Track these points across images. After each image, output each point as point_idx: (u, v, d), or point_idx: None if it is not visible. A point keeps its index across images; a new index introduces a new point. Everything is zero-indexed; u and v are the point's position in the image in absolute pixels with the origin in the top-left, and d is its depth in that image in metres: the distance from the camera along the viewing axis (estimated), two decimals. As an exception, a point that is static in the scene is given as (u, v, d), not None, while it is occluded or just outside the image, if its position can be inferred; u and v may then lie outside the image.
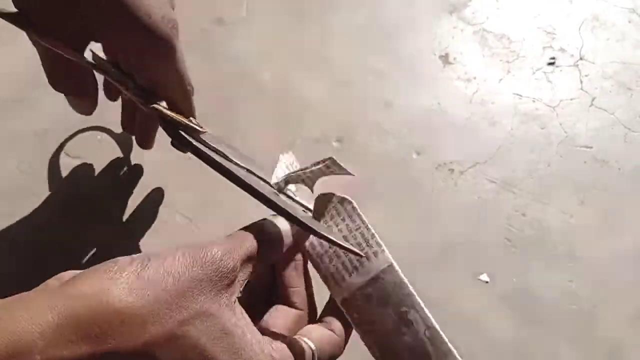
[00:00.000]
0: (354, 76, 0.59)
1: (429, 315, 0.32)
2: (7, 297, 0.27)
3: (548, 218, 0.50)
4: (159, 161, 0.52)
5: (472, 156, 0.54)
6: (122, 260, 0.27)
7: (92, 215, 0.51)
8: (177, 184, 0.52)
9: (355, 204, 0.35)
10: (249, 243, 0.30)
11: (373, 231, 0.34)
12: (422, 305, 0.33)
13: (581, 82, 0.59)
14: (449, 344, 0.32)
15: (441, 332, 0.32)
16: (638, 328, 0.45)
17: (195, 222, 0.50)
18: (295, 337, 0.31)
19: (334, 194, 0.34)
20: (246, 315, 0.30)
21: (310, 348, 0.31)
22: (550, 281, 0.47)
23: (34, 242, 0.49)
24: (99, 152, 0.55)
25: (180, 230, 0.49)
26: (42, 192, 0.52)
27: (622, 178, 0.52)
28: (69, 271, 0.30)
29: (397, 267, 0.34)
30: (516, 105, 0.57)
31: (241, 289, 0.30)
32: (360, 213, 0.35)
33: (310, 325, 0.33)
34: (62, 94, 0.44)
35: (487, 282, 0.47)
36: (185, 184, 0.51)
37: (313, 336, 0.32)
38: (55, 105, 0.59)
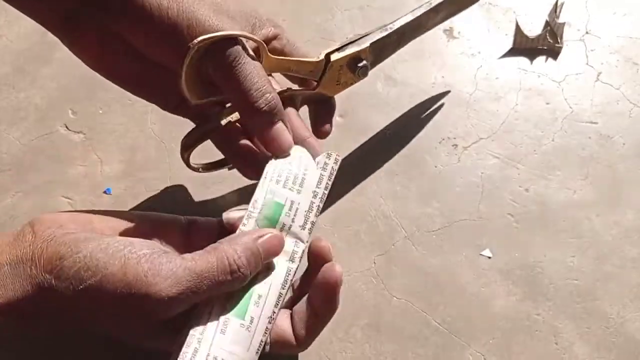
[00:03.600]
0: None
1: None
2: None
3: (551, 193, 0.50)
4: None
5: (475, 131, 0.53)
6: (64, 248, 0.31)
7: (96, 195, 0.51)
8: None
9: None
10: (211, 275, 0.31)
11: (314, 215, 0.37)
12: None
13: (587, 56, 0.58)
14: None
15: None
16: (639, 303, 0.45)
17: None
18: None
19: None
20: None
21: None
22: (552, 256, 0.47)
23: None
24: (101, 127, 0.55)
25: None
26: (44, 166, 0.52)
27: (626, 153, 0.52)
28: (41, 217, 0.33)
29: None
30: (521, 80, 0.57)
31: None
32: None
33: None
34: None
35: (489, 257, 0.47)
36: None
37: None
38: (56, 79, 0.58)
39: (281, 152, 0.37)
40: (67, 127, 0.55)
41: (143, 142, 0.53)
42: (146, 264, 0.30)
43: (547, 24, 0.58)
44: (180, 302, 0.30)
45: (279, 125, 0.36)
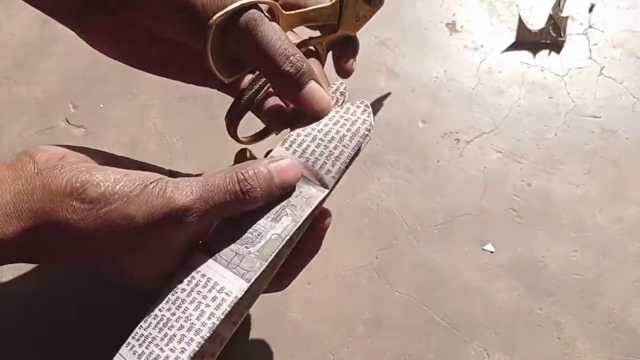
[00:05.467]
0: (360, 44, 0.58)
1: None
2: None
3: (554, 188, 0.50)
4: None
5: (478, 125, 0.53)
6: (78, 174, 0.30)
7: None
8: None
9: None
10: (224, 192, 0.31)
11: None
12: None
13: (590, 50, 0.58)
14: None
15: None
16: (642, 298, 0.45)
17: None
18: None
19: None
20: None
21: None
22: (555, 251, 0.47)
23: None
24: (102, 121, 0.54)
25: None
26: (45, 161, 0.52)
27: (630, 148, 0.52)
28: (39, 147, 0.33)
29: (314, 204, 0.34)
30: (524, 74, 0.56)
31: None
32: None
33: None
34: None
35: (492, 252, 0.47)
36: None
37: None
38: (57, 73, 0.58)
39: (318, 113, 0.36)
40: (67, 121, 0.54)
41: (144, 137, 0.53)
42: (166, 184, 0.30)
43: (550, 17, 0.58)
44: (197, 214, 0.30)
45: (311, 85, 0.35)
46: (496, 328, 0.44)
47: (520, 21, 0.57)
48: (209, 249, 0.32)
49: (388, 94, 0.55)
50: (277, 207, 0.33)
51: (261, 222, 0.32)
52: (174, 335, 0.30)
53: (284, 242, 0.32)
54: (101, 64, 0.58)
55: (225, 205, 0.31)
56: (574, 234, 0.48)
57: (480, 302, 0.45)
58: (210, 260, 0.32)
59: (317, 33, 0.42)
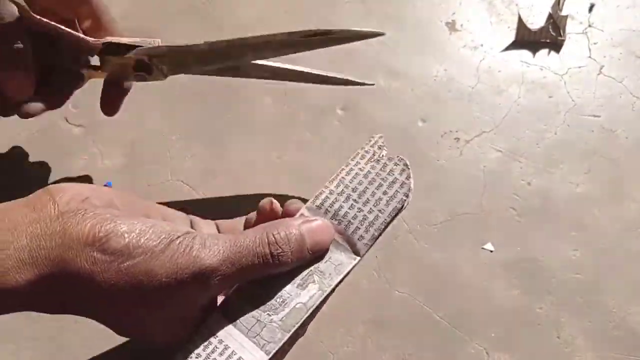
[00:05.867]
0: (358, 43, 0.58)
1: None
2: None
3: (554, 187, 0.50)
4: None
5: (478, 125, 0.53)
6: (105, 225, 0.28)
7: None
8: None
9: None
10: (253, 254, 0.29)
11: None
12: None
13: (589, 49, 0.58)
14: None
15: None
16: (642, 297, 0.45)
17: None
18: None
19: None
20: None
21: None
22: (555, 250, 0.47)
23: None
24: (101, 120, 0.54)
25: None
26: (44, 160, 0.52)
27: (629, 147, 0.52)
28: (61, 186, 0.30)
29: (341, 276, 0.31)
30: (523, 74, 0.56)
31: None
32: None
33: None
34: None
35: (492, 251, 0.47)
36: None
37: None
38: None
39: None
40: (67, 120, 0.54)
41: (143, 135, 0.53)
42: (193, 240, 0.29)
43: (550, 16, 0.58)
44: (223, 276, 0.29)
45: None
46: (496, 327, 0.44)
47: (520, 20, 0.57)
48: (228, 312, 0.30)
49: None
50: (305, 273, 0.30)
51: (287, 288, 0.30)
52: None
53: (309, 312, 0.30)
54: (101, 63, 0.57)
55: (253, 268, 0.29)
56: (574, 233, 0.48)
57: (480, 301, 0.45)
58: (229, 326, 0.30)
59: None
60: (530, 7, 0.61)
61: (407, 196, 0.32)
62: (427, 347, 0.43)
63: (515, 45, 0.58)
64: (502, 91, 0.55)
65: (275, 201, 0.33)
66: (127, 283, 0.27)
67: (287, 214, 0.33)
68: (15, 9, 0.37)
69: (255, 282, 0.30)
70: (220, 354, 0.29)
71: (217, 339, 0.29)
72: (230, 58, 0.43)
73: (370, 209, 0.32)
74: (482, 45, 0.58)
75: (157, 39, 0.42)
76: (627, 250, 0.47)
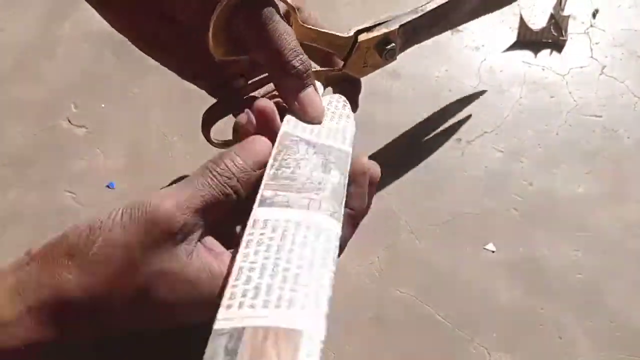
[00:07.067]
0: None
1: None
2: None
3: (555, 187, 0.50)
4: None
5: (479, 125, 0.53)
6: (72, 235, 0.27)
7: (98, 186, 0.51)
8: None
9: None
10: (205, 192, 0.28)
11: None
12: None
13: (591, 50, 0.58)
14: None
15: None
16: (644, 297, 0.45)
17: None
18: None
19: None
20: (218, 246, 0.29)
21: None
22: (556, 251, 0.47)
23: (41, 211, 0.49)
24: (104, 121, 0.54)
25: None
26: (47, 160, 0.52)
27: (630, 147, 0.52)
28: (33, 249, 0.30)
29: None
30: (525, 74, 0.56)
31: (202, 231, 0.29)
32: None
33: None
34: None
35: (493, 251, 0.47)
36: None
37: None
38: (59, 73, 0.58)
39: (313, 119, 0.34)
40: (69, 121, 0.55)
41: (146, 136, 0.53)
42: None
43: (551, 16, 0.58)
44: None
45: (312, 89, 0.34)
46: (497, 327, 0.44)
47: (522, 20, 0.57)
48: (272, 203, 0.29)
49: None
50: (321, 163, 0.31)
51: (314, 174, 0.30)
52: (297, 275, 0.26)
53: (345, 182, 0.30)
54: (103, 64, 0.58)
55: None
56: (576, 233, 0.47)
57: (481, 301, 0.45)
58: (284, 209, 0.28)
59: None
60: (531, 7, 0.61)
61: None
62: (428, 347, 0.43)
63: (517, 45, 0.58)
64: (504, 91, 0.55)
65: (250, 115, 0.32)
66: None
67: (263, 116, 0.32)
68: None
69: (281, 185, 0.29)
70: (296, 229, 0.27)
71: (277, 221, 0.28)
72: (457, 10, 0.45)
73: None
74: (483, 45, 0.58)
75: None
76: (629, 250, 0.47)
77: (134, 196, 0.50)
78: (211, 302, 0.26)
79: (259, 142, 0.31)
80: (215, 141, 0.41)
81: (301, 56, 0.33)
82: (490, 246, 0.47)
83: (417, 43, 0.44)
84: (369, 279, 0.46)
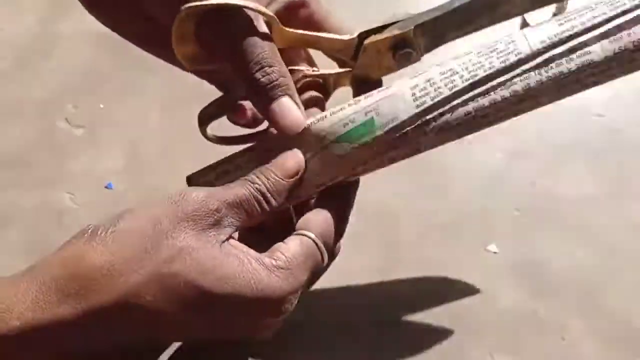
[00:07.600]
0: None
1: None
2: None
3: (558, 187, 0.49)
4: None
5: (481, 125, 0.53)
6: (96, 224, 0.28)
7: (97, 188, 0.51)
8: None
9: None
10: (238, 190, 0.30)
11: None
12: None
13: (594, 48, 0.57)
14: None
15: None
16: (648, 298, 0.44)
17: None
18: (293, 234, 0.32)
19: None
20: (244, 247, 0.30)
21: (310, 237, 0.31)
22: (559, 251, 0.46)
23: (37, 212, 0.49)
24: (102, 121, 0.54)
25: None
26: (45, 161, 0.52)
27: (635, 147, 0.51)
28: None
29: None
30: (527, 73, 0.56)
31: (233, 231, 0.30)
32: None
33: (307, 215, 0.33)
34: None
35: (495, 252, 0.46)
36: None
37: (311, 225, 0.32)
38: (57, 73, 0.58)
39: (287, 130, 0.33)
40: (68, 121, 0.54)
41: (144, 136, 0.53)
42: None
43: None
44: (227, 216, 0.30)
45: (282, 100, 0.33)
46: (500, 329, 0.43)
47: (523, 18, 0.57)
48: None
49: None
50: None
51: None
52: None
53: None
54: (101, 64, 0.57)
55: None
56: (579, 234, 0.47)
57: (484, 303, 0.44)
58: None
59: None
60: (534, 5, 0.60)
61: None
62: (430, 350, 0.42)
63: (519, 44, 0.58)
64: (506, 90, 0.55)
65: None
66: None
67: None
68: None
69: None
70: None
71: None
72: (496, 8, 0.40)
73: None
74: (485, 44, 0.58)
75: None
76: (633, 251, 0.46)
77: (133, 197, 0.50)
78: (238, 292, 0.28)
79: (292, 155, 0.33)
80: (211, 136, 0.40)
81: (266, 68, 0.32)
82: (493, 247, 0.47)
83: (446, 42, 0.39)
84: (369, 280, 0.45)
